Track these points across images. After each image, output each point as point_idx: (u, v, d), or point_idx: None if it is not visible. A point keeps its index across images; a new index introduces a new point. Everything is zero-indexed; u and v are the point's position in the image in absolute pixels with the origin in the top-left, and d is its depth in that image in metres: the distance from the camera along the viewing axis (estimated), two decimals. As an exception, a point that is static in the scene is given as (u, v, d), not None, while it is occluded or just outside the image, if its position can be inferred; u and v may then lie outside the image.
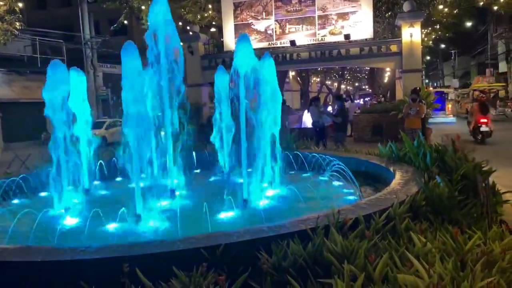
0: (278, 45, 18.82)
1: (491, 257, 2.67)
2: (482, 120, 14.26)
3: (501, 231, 3.20)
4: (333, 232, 3.03)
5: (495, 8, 19.38)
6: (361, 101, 44.24)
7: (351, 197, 5.39)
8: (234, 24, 19.31)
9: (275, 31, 18.94)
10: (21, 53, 22.91)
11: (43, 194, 6.22)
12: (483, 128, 14.21)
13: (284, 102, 17.45)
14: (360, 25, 17.66)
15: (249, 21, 19.24)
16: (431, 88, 33.15)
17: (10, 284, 2.86)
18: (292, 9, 18.71)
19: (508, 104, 25.49)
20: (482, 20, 39.33)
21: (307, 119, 18.25)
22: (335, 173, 6.04)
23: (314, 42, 18.41)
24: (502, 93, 26.33)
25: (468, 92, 29.17)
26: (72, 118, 5.44)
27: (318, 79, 49.24)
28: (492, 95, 26.28)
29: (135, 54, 4.73)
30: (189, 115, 5.74)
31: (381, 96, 30.59)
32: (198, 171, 7.70)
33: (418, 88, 13.20)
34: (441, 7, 20.89)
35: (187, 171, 6.26)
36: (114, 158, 7.05)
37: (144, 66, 5.06)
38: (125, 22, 22.08)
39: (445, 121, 22.20)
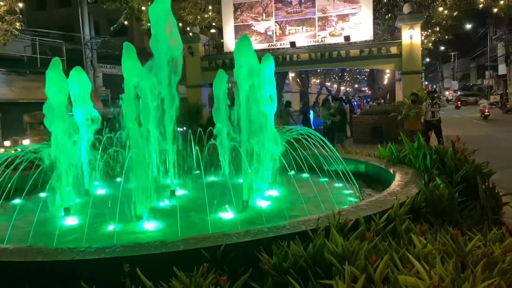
0: (278, 46, 18.83)
1: (492, 259, 2.67)
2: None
3: (501, 233, 3.20)
4: (334, 233, 3.02)
5: (495, 10, 19.36)
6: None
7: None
8: (234, 25, 19.32)
9: (275, 33, 18.95)
10: (21, 53, 22.85)
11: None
12: None
13: (289, 103, 17.49)
14: (360, 27, 17.67)
15: (249, 22, 19.25)
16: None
17: (10, 284, 2.86)
18: (292, 10, 18.72)
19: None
20: (482, 23, 39.53)
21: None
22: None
23: (314, 43, 18.42)
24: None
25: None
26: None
27: (318, 81, 49.28)
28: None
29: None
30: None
31: (380, 98, 30.57)
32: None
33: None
34: (441, 9, 20.91)
35: (188, 172, 6.25)
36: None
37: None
38: (125, 22, 22.05)
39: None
